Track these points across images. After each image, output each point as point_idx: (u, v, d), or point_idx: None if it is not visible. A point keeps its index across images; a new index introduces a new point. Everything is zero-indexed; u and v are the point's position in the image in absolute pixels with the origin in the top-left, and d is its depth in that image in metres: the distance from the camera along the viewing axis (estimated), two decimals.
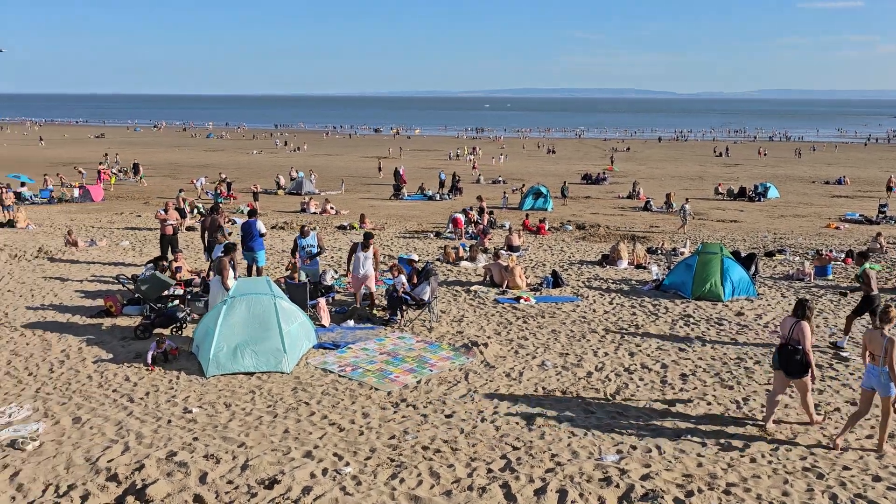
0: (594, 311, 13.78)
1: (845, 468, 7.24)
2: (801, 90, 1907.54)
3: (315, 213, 29.94)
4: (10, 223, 23.90)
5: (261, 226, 14.99)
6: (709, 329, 12.54)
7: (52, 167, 46.87)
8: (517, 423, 8.33)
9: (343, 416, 8.55)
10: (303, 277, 13.84)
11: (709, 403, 9.04)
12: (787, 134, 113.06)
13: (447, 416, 8.53)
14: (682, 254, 19.85)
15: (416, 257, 15.78)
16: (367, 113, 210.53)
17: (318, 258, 14.94)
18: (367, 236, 13.51)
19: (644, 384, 9.76)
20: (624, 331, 12.40)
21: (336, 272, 15.92)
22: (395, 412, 8.70)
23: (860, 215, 31.07)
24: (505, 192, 35.69)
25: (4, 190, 27.40)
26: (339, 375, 9.98)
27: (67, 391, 9.29)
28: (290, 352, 10.22)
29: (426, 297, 12.63)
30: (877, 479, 7.00)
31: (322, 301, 12.79)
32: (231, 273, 11.96)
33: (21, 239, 21.27)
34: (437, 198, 35.96)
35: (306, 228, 15.20)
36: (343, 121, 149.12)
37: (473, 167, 50.36)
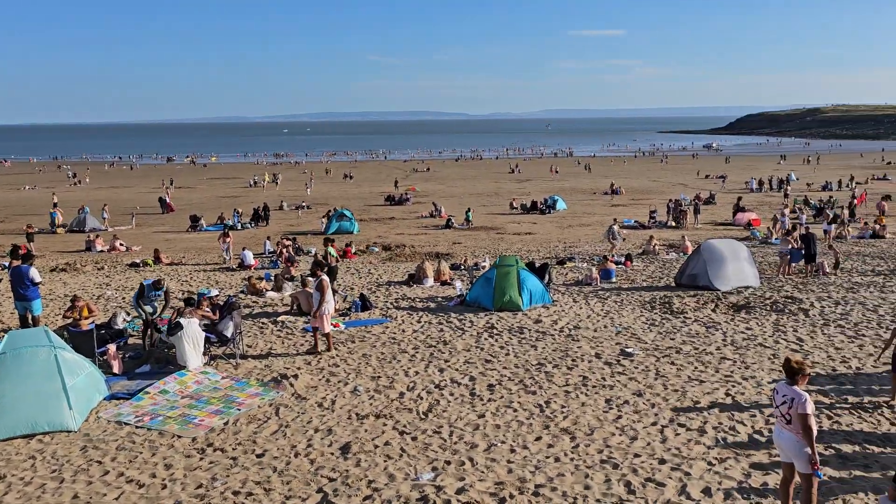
0: (403, 331, 13.95)
1: (636, 455, 7.94)
2: (580, 110, 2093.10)
3: (102, 251, 27.55)
4: None
5: (35, 274, 13.41)
6: (511, 338, 13.19)
7: None
8: (332, 454, 8.17)
9: (142, 470, 7.87)
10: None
11: (515, 410, 9.50)
12: (570, 151, 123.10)
13: (258, 456, 8.17)
14: (483, 267, 20.76)
15: (216, 292, 15.02)
16: (157, 142, 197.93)
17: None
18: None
19: (454, 398, 10.03)
20: (433, 347, 12.68)
21: (128, 314, 14.69)
22: (201, 459, 8.17)
23: (635, 221, 34.56)
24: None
25: None
26: (136, 427, 9.18)
27: None
28: (76, 407, 9.23)
29: (229, 333, 12.06)
30: (662, 461, 7.75)
31: (112, 347, 11.74)
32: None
33: None
34: (239, 227, 34.68)
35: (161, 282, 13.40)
36: (130, 150, 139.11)
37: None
